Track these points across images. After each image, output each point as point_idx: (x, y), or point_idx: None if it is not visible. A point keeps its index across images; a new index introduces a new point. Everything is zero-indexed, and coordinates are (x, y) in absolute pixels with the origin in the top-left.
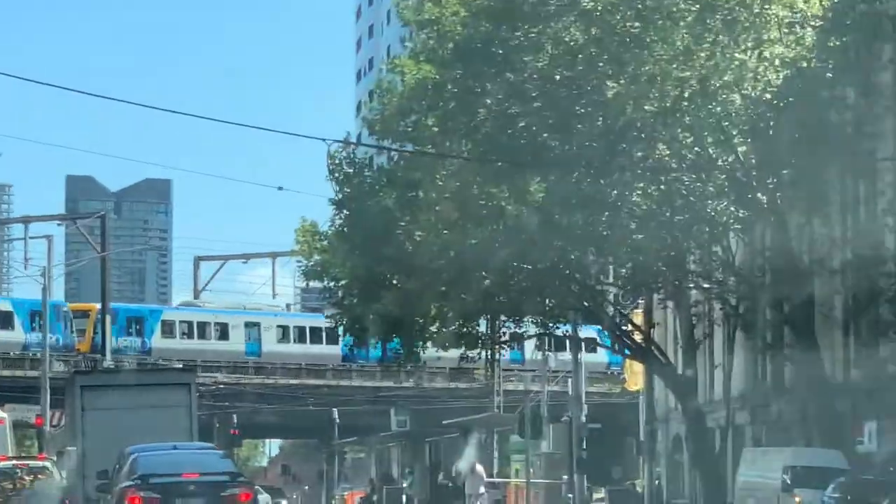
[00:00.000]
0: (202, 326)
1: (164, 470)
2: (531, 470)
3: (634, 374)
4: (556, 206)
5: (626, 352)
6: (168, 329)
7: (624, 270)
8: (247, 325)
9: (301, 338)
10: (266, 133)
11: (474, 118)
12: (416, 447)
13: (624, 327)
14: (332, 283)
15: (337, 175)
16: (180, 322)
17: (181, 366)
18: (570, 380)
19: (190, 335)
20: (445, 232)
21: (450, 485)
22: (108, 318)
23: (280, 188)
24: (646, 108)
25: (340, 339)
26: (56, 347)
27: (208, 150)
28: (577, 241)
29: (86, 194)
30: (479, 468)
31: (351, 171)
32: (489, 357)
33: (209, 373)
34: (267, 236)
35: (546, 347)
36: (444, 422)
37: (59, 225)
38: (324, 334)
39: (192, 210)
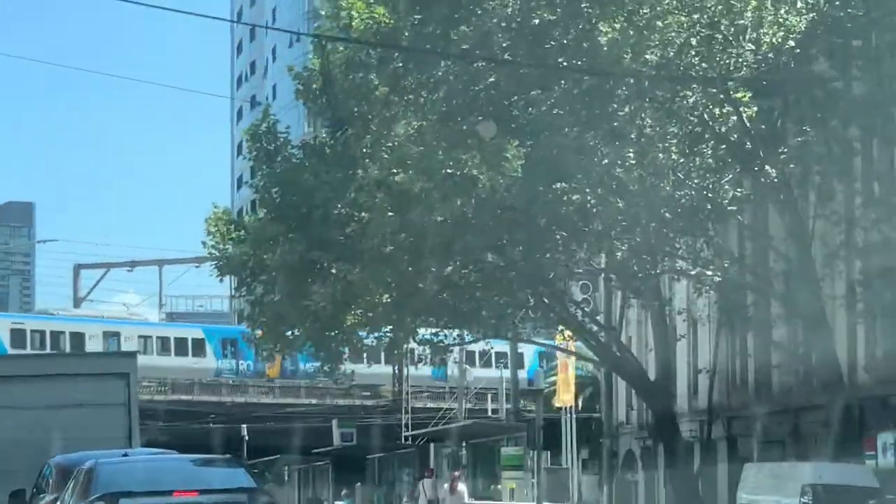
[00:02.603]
0: None
1: (141, 486)
2: (532, 488)
3: (564, 388)
4: (537, 176)
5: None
6: None
7: (619, 254)
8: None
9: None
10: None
11: (433, 74)
12: (351, 465)
13: (590, 328)
14: (249, 278)
15: (255, 153)
16: None
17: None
18: (491, 394)
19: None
20: (391, 214)
21: None
22: None
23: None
24: (647, 56)
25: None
26: (247, 374)
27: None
28: (563, 220)
29: None
30: (462, 487)
31: (271, 147)
32: (397, 370)
33: None
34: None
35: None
36: (405, 434)
37: None
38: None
39: (71, 221)
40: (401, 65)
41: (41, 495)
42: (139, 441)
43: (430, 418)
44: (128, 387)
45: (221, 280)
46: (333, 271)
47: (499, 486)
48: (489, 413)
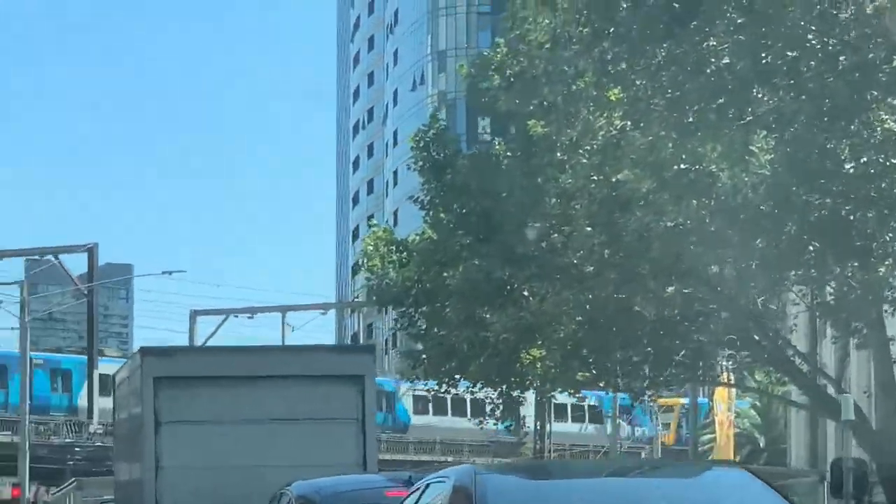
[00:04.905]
0: None
1: None
2: None
3: (724, 446)
4: (790, 174)
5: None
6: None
7: (882, 270)
8: None
9: None
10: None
11: (654, 56)
12: None
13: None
14: (412, 309)
15: (423, 164)
16: None
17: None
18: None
19: None
20: (588, 229)
21: None
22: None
23: None
24: None
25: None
26: (642, 440)
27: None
28: (815, 229)
29: (46, 278)
30: None
31: (441, 156)
32: (539, 426)
33: None
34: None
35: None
36: None
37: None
38: None
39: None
40: (607, 45)
41: None
42: (376, 468)
43: None
44: (362, 395)
45: (380, 311)
46: (525, 293)
47: None
48: None
